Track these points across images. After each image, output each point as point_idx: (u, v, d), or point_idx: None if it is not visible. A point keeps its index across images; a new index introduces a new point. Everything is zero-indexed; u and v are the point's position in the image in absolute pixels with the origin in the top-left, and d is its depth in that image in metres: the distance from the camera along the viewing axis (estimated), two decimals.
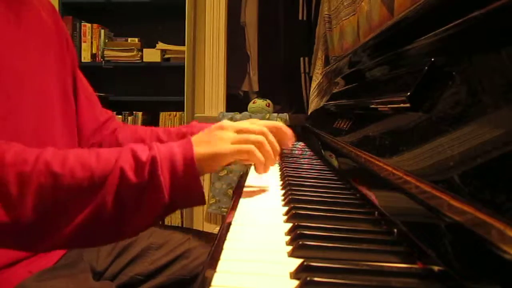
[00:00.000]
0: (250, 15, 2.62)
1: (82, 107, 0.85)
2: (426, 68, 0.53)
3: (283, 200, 0.61)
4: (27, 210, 0.49)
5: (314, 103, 1.78)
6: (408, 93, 0.53)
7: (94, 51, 2.57)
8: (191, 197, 0.55)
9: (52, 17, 0.80)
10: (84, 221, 0.51)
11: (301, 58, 2.58)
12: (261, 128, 0.64)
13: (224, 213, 1.66)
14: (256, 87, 2.63)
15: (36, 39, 0.72)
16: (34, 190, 0.49)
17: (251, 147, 0.59)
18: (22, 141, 0.65)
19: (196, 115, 2.40)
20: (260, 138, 0.61)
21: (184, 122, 2.40)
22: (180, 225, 2.45)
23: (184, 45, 2.36)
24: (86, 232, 0.52)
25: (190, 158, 0.53)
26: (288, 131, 0.90)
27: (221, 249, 0.40)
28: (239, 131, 0.61)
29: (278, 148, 0.65)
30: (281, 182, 0.73)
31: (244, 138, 0.60)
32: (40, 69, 0.71)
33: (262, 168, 0.62)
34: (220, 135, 0.59)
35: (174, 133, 0.88)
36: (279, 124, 0.82)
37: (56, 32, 0.80)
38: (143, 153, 0.53)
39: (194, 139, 0.57)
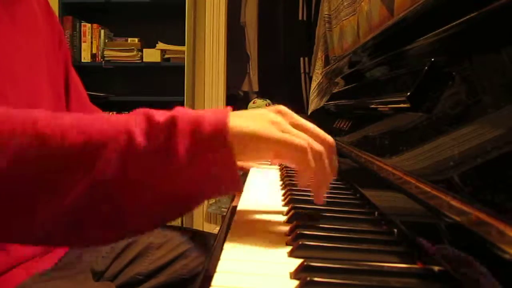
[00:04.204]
0: (250, 15, 2.62)
1: (72, 111, 0.78)
2: (426, 68, 0.53)
3: (283, 200, 0.61)
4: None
5: (314, 103, 1.78)
6: (408, 93, 0.53)
7: (94, 51, 2.57)
8: (221, 177, 0.41)
9: (45, 14, 0.77)
10: (75, 202, 0.38)
11: (301, 58, 2.58)
12: (326, 137, 0.47)
13: (224, 213, 1.65)
14: (256, 87, 2.64)
15: (28, 38, 0.69)
16: (11, 154, 0.37)
17: (305, 144, 0.43)
18: None
19: None
20: (321, 148, 0.45)
21: None
22: (180, 225, 2.45)
23: (184, 45, 2.36)
24: (77, 219, 0.40)
25: (222, 126, 0.40)
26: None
27: (221, 249, 0.40)
28: (296, 126, 0.46)
29: (335, 169, 0.48)
30: (281, 182, 0.73)
31: (303, 137, 0.45)
32: (32, 69, 0.69)
33: (306, 179, 0.45)
34: (272, 118, 0.45)
35: None
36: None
37: (49, 30, 0.77)
38: (161, 115, 0.41)
39: (234, 112, 0.44)
